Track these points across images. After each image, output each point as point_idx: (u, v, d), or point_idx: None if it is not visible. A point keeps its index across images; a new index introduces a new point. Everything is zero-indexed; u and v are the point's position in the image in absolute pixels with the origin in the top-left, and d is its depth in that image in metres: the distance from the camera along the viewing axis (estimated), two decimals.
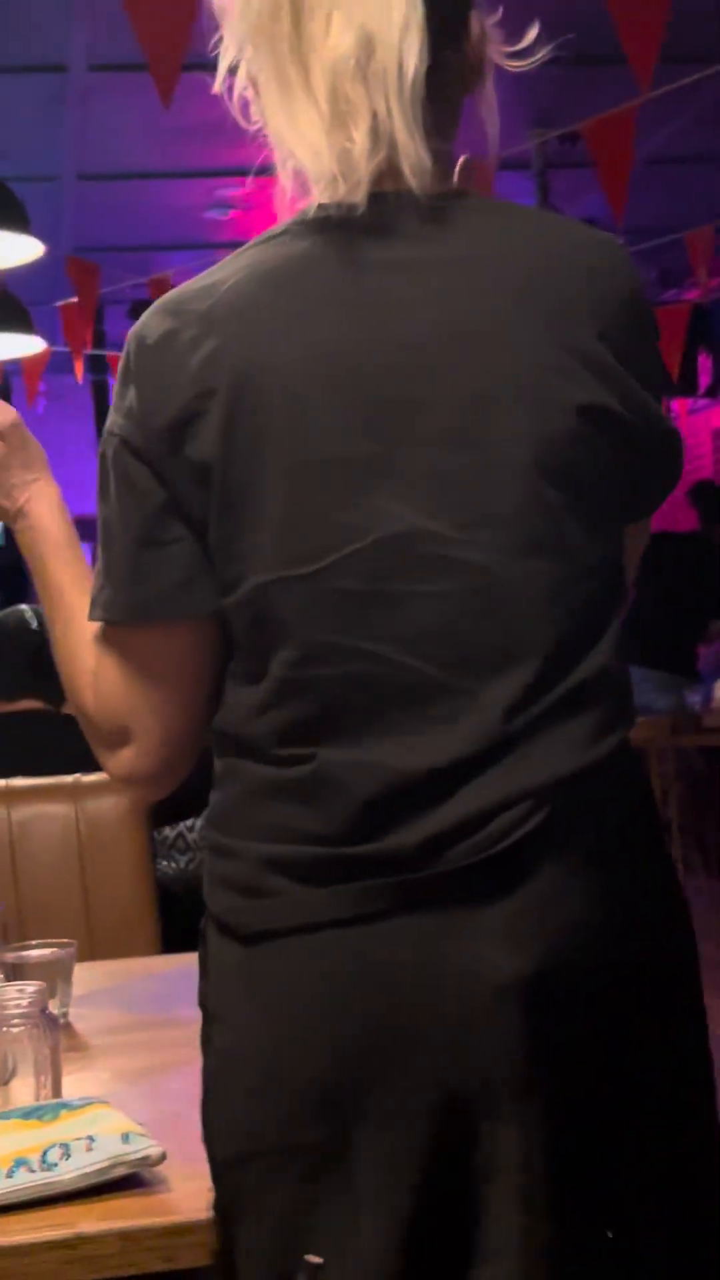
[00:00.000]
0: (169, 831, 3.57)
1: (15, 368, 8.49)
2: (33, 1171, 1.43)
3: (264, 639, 1.35)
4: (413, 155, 1.33)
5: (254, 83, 1.39)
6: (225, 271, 1.38)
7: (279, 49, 1.35)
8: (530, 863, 1.30)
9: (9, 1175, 1.43)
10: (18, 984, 1.69)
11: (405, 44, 1.32)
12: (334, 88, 1.32)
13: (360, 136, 1.32)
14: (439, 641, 1.32)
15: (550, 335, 1.35)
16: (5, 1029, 1.61)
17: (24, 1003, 1.62)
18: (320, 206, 1.36)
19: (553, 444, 1.33)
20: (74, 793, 3.14)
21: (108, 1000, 2.23)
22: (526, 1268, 1.28)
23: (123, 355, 1.41)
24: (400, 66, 1.32)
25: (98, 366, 9.71)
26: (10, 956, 2.02)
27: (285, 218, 1.40)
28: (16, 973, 1.97)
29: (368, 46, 1.32)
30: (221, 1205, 1.36)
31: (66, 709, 3.76)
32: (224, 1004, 1.38)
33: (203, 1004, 1.40)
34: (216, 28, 1.41)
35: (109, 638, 1.44)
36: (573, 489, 1.35)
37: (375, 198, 1.34)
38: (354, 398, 1.33)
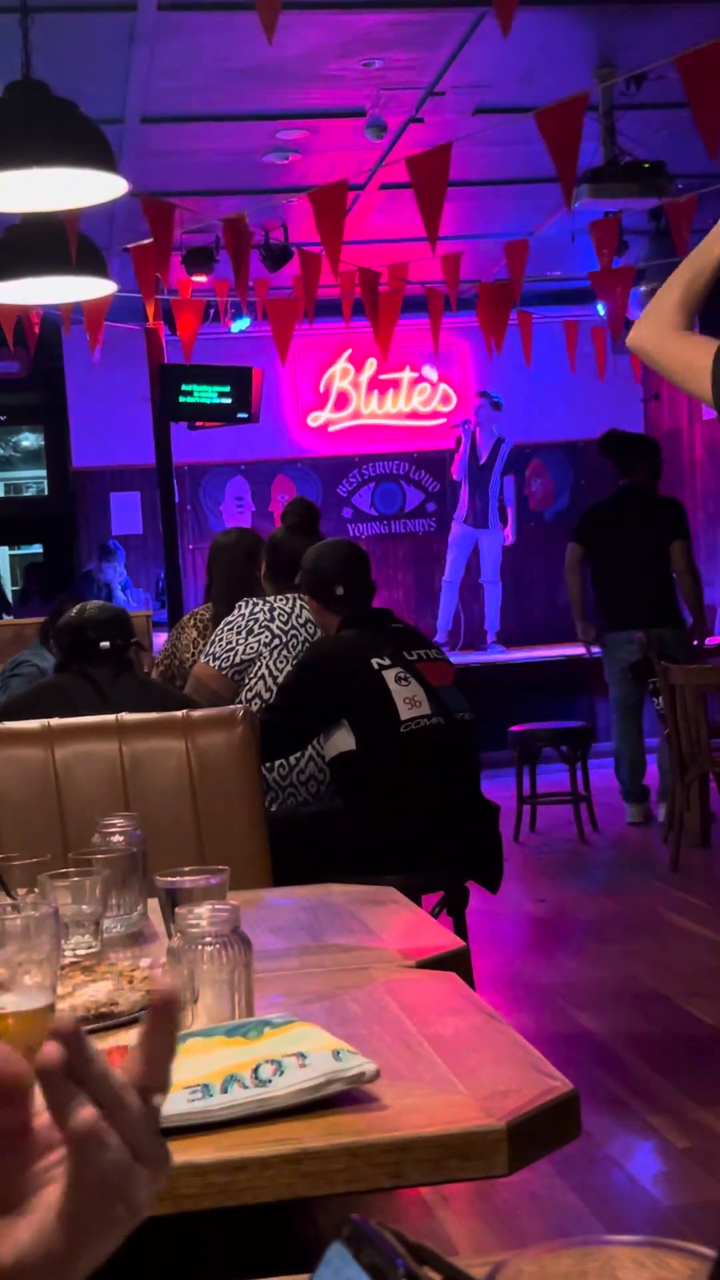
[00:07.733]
0: None
1: (59, 316, 8.45)
2: (246, 1088, 1.41)
3: None
4: None
5: None
6: None
7: None
8: None
9: (224, 1091, 1.41)
10: (211, 904, 1.66)
11: None
12: None
13: None
14: None
15: None
16: (199, 947, 1.59)
17: (217, 921, 1.61)
18: None
19: None
20: (186, 728, 3.11)
21: (256, 928, 2.20)
22: None
23: None
24: None
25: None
26: (167, 882, 2.00)
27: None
28: (176, 898, 1.95)
29: None
30: None
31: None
32: None
33: None
34: None
35: None
36: None
37: None
38: None
